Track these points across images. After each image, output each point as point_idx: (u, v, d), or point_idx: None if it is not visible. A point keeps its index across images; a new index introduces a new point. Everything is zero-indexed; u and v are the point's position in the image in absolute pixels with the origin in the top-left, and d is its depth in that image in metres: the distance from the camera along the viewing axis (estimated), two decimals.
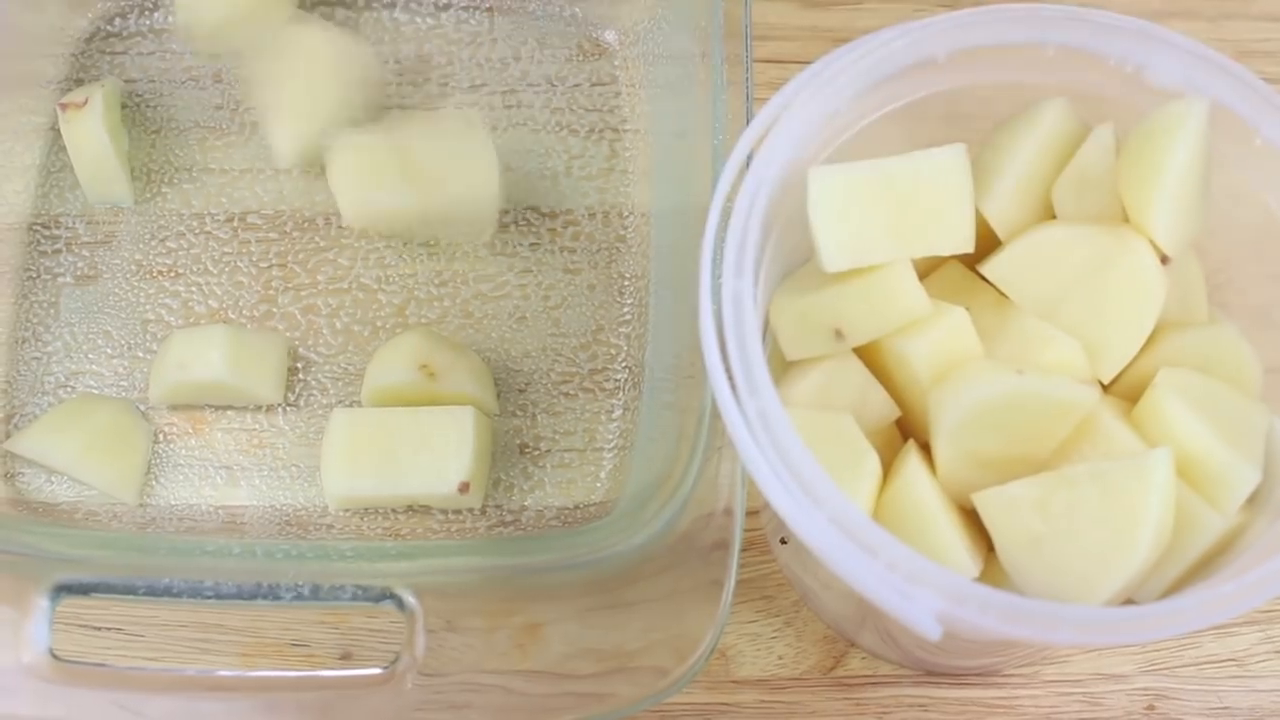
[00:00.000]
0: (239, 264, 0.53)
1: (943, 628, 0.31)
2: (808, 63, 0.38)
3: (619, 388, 0.52)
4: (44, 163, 0.54)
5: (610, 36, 0.57)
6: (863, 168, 0.37)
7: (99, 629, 0.48)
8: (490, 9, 0.57)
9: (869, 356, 0.39)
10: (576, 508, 0.50)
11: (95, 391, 0.52)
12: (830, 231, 0.37)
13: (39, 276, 0.53)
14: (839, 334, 0.38)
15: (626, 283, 0.53)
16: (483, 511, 0.50)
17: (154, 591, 0.42)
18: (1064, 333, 0.37)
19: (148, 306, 0.53)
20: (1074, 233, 0.38)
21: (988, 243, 0.39)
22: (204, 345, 0.50)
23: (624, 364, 0.52)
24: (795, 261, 0.40)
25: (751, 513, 0.48)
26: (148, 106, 0.56)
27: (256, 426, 0.51)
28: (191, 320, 0.53)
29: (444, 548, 0.48)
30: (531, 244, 0.52)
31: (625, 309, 0.53)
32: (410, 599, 0.42)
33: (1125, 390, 0.38)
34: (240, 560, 0.46)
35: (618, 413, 0.51)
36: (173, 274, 0.53)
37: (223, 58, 0.56)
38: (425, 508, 0.50)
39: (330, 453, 0.49)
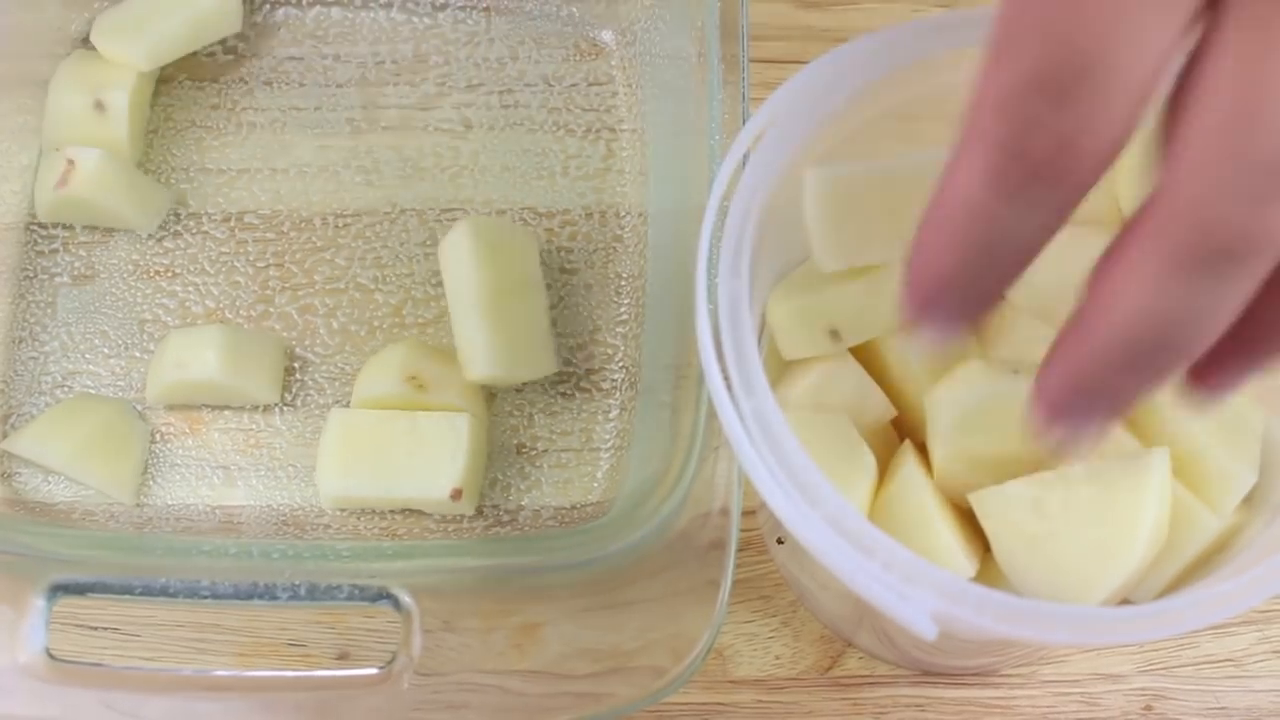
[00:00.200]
0: (236, 264, 0.53)
1: (939, 628, 0.31)
2: (804, 63, 0.38)
3: (616, 388, 0.52)
4: (41, 163, 0.54)
5: (607, 36, 0.57)
6: (860, 168, 0.37)
7: (95, 629, 0.48)
8: (487, 9, 0.57)
9: (866, 356, 0.39)
10: (573, 508, 0.50)
11: (92, 391, 0.52)
12: (827, 232, 0.37)
13: (36, 276, 0.53)
14: (836, 334, 0.38)
15: (623, 283, 0.53)
16: (479, 512, 0.50)
17: (150, 591, 0.42)
18: None
19: (144, 306, 0.53)
20: (1073, 233, 0.38)
21: None
22: (201, 345, 0.50)
23: (621, 364, 0.52)
24: (791, 262, 0.40)
25: (748, 513, 0.48)
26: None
27: (253, 426, 0.51)
28: (188, 320, 0.53)
29: (440, 548, 0.48)
30: None
31: (622, 309, 0.53)
32: (407, 599, 0.42)
33: None
34: (237, 560, 0.46)
35: (614, 413, 0.51)
36: (169, 274, 0.53)
37: (219, 57, 0.56)
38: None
39: (325, 453, 0.49)
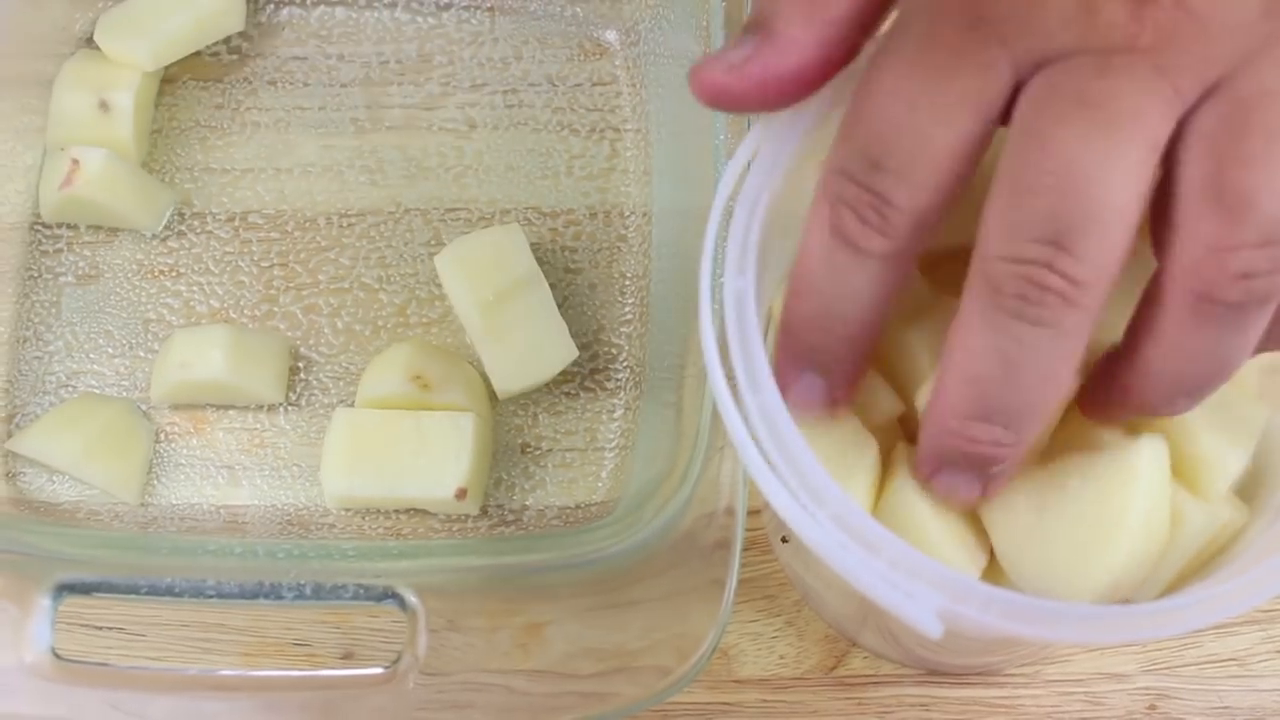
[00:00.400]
0: (240, 263, 0.53)
1: (945, 626, 0.31)
2: None
3: (620, 387, 0.52)
4: (46, 163, 0.54)
5: (611, 36, 0.57)
6: None
7: (101, 628, 0.48)
8: (491, 9, 0.57)
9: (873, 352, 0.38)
10: (578, 507, 0.50)
11: (97, 391, 0.52)
12: None
13: (40, 276, 0.53)
14: None
15: (628, 282, 0.53)
16: (484, 511, 0.50)
17: (156, 591, 0.42)
18: None
19: (149, 306, 0.53)
20: None
21: None
22: (205, 345, 0.50)
23: (625, 363, 0.52)
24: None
25: (753, 512, 0.48)
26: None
27: (258, 426, 0.51)
28: (193, 320, 0.53)
29: (446, 547, 0.48)
30: (533, 244, 0.52)
31: (626, 308, 0.53)
32: (412, 598, 0.42)
33: None
34: (242, 560, 0.46)
35: (619, 412, 0.51)
36: (174, 274, 0.53)
37: (223, 56, 0.56)
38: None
39: (330, 453, 0.49)
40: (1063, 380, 0.31)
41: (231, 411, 0.51)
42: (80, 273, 0.53)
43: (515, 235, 0.51)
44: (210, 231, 0.54)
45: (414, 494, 0.48)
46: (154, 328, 0.53)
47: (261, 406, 0.51)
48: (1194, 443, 0.35)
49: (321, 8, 0.57)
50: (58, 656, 0.41)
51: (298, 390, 0.52)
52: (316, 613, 0.48)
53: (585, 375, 0.52)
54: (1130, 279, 0.31)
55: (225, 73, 0.56)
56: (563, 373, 0.51)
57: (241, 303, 0.53)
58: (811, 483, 0.33)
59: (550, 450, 0.51)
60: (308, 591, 0.42)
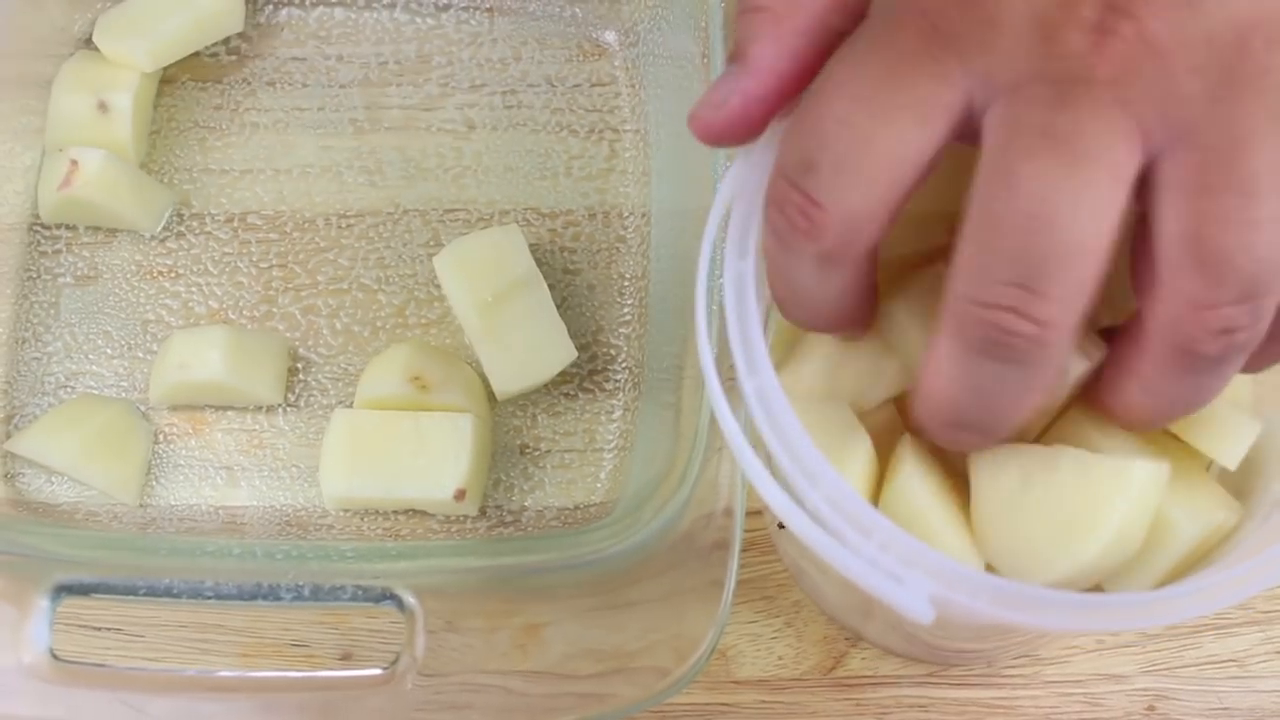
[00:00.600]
0: (239, 264, 0.53)
1: (936, 611, 0.31)
2: None
3: (619, 388, 0.52)
4: (44, 163, 0.54)
5: (610, 37, 0.57)
6: None
7: (99, 629, 0.48)
8: (490, 10, 0.57)
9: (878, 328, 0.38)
10: (576, 508, 0.50)
11: (95, 392, 0.52)
12: None
13: (39, 277, 0.53)
14: None
15: (626, 283, 0.53)
16: (483, 512, 0.50)
17: (154, 592, 0.42)
18: None
19: (148, 307, 0.53)
20: None
21: None
22: (204, 346, 0.50)
23: (624, 365, 0.52)
24: None
25: (752, 513, 0.48)
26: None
27: (257, 427, 0.51)
28: (191, 321, 0.53)
29: (444, 548, 0.48)
30: (531, 244, 0.52)
31: (625, 309, 0.53)
32: (410, 599, 0.42)
33: None
34: (240, 561, 0.46)
35: (618, 413, 0.51)
36: (173, 274, 0.53)
37: (221, 57, 0.56)
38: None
39: (329, 454, 0.49)
40: (1036, 400, 0.31)
41: (230, 412, 0.51)
42: (79, 274, 0.53)
43: (514, 236, 0.51)
44: (209, 232, 0.54)
45: (413, 495, 0.48)
46: (153, 328, 0.53)
47: (260, 407, 0.51)
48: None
49: (320, 8, 0.57)
50: (56, 657, 0.41)
51: (296, 391, 0.52)
52: (315, 613, 0.48)
53: (584, 376, 0.52)
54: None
55: (224, 73, 0.56)
56: (561, 374, 0.51)
57: (240, 304, 0.53)
58: (806, 464, 0.33)
59: (549, 451, 0.51)
60: (306, 592, 0.42)
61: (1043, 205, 0.28)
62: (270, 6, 0.57)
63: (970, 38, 0.30)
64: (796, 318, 0.34)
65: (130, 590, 0.42)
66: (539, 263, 0.52)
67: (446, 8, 0.57)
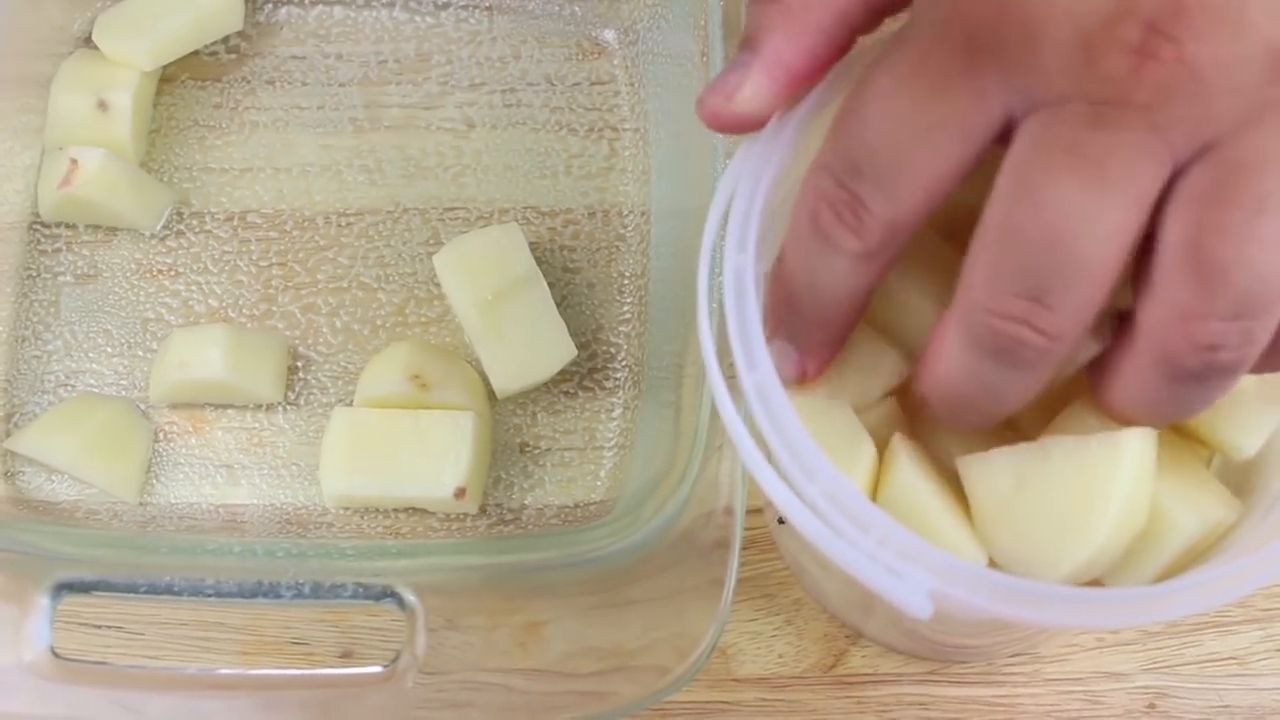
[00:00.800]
0: (239, 263, 0.53)
1: (935, 606, 0.31)
2: None
3: (619, 386, 0.52)
4: (44, 162, 0.54)
5: (610, 35, 0.57)
6: None
7: (99, 627, 0.48)
8: (490, 8, 0.57)
9: (876, 316, 0.38)
10: (576, 506, 0.50)
11: (95, 390, 0.52)
12: None
13: (39, 275, 0.53)
14: None
15: (626, 282, 0.53)
16: (483, 510, 0.50)
17: (155, 590, 0.42)
18: None
19: (148, 305, 0.53)
20: None
21: None
22: (204, 344, 0.50)
23: (624, 363, 0.52)
24: None
25: (752, 511, 0.48)
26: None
27: (257, 425, 0.51)
28: (191, 319, 0.53)
29: (444, 546, 0.48)
30: (531, 243, 0.52)
31: (625, 308, 0.53)
32: (411, 597, 0.42)
33: None
34: (240, 559, 0.46)
35: (618, 411, 0.51)
36: (172, 273, 0.53)
37: (221, 56, 0.56)
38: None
39: (329, 452, 0.49)
40: (1036, 391, 0.32)
41: (230, 411, 0.51)
42: (79, 272, 0.53)
43: (514, 234, 0.51)
44: (209, 231, 0.54)
45: (413, 493, 0.48)
46: (153, 327, 0.53)
47: (260, 406, 0.51)
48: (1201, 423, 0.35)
49: (320, 7, 0.57)
50: (56, 655, 0.41)
51: (296, 389, 0.52)
52: (315, 611, 0.48)
53: (584, 374, 0.52)
54: None
55: (224, 72, 0.56)
56: (561, 372, 0.51)
57: (240, 302, 0.53)
58: (804, 459, 0.33)
59: (549, 449, 0.51)
60: (306, 590, 0.42)
61: (1064, 224, 0.29)
62: (270, 5, 0.57)
63: (1011, 54, 0.30)
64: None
65: (131, 588, 0.42)
66: (539, 261, 0.52)
67: (446, 6, 0.57)
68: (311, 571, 0.43)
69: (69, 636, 0.47)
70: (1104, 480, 0.33)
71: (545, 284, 0.51)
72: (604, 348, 0.52)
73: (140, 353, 0.52)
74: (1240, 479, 0.37)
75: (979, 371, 0.32)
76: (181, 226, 0.54)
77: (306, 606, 0.45)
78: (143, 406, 0.51)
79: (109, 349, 0.52)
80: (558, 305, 0.51)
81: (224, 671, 0.42)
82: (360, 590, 0.42)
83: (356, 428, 0.49)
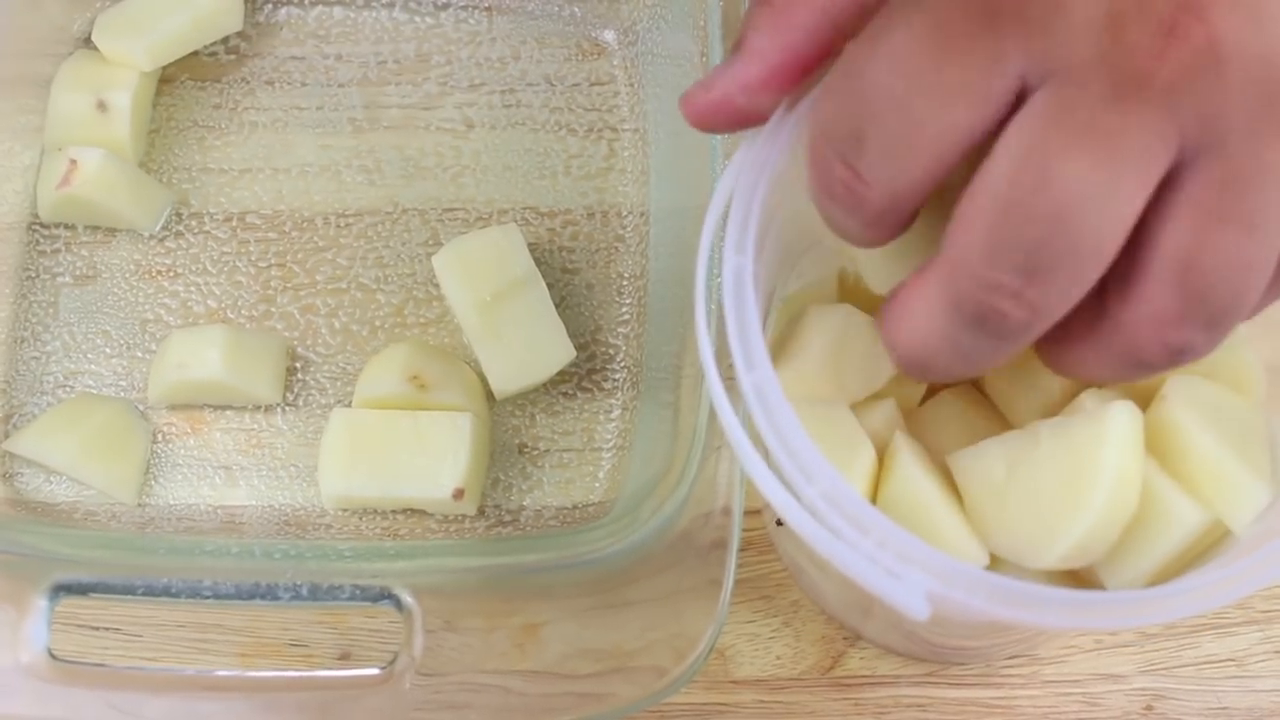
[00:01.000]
0: (238, 264, 0.53)
1: (932, 608, 0.31)
2: None
3: (617, 387, 0.52)
4: (43, 163, 0.54)
5: (609, 36, 0.57)
6: None
7: (97, 629, 0.48)
8: (489, 8, 0.57)
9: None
10: (575, 507, 0.50)
11: (94, 391, 0.52)
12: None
13: (38, 276, 0.53)
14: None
15: (625, 282, 0.53)
16: (481, 511, 0.50)
17: (153, 591, 0.42)
18: None
19: (146, 306, 0.53)
20: None
21: None
22: (203, 345, 0.50)
23: (622, 364, 0.52)
24: (799, 246, 0.40)
25: (750, 512, 0.48)
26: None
27: (255, 426, 0.51)
28: (190, 320, 0.53)
29: (442, 547, 0.48)
30: (530, 244, 0.52)
31: (624, 309, 0.53)
32: (408, 599, 0.42)
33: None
34: (239, 560, 0.46)
35: (616, 412, 0.51)
36: (171, 274, 0.53)
37: (220, 56, 0.56)
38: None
39: (327, 453, 0.49)
40: (1005, 361, 0.32)
41: (229, 412, 0.51)
42: (78, 273, 0.53)
43: (513, 235, 0.51)
44: (208, 232, 0.54)
45: (411, 494, 0.48)
46: (151, 328, 0.53)
47: (259, 407, 0.51)
48: (1226, 473, 0.35)
49: (319, 7, 0.57)
50: (54, 657, 0.41)
51: (295, 390, 0.52)
52: (313, 613, 0.48)
53: (583, 375, 0.52)
54: None
55: (223, 73, 0.56)
56: (560, 373, 0.51)
57: (239, 303, 0.53)
58: (802, 460, 0.33)
59: (547, 450, 0.51)
60: (304, 592, 0.42)
61: (1072, 202, 0.28)
62: (269, 6, 0.57)
63: (1033, 20, 0.29)
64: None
65: (129, 590, 0.42)
66: (538, 262, 0.52)
67: (445, 7, 0.57)
68: (309, 573, 0.43)
69: (67, 638, 0.47)
70: (1092, 454, 0.33)
71: (544, 285, 0.51)
72: (603, 349, 0.52)
73: (139, 354, 0.52)
74: None
75: (955, 337, 0.31)
76: (180, 227, 0.54)
77: (304, 608, 0.45)
78: (141, 407, 0.51)
79: (108, 350, 0.52)
80: (556, 306, 0.51)
81: (222, 673, 0.42)
82: (358, 592, 0.42)
83: (355, 429, 0.49)
